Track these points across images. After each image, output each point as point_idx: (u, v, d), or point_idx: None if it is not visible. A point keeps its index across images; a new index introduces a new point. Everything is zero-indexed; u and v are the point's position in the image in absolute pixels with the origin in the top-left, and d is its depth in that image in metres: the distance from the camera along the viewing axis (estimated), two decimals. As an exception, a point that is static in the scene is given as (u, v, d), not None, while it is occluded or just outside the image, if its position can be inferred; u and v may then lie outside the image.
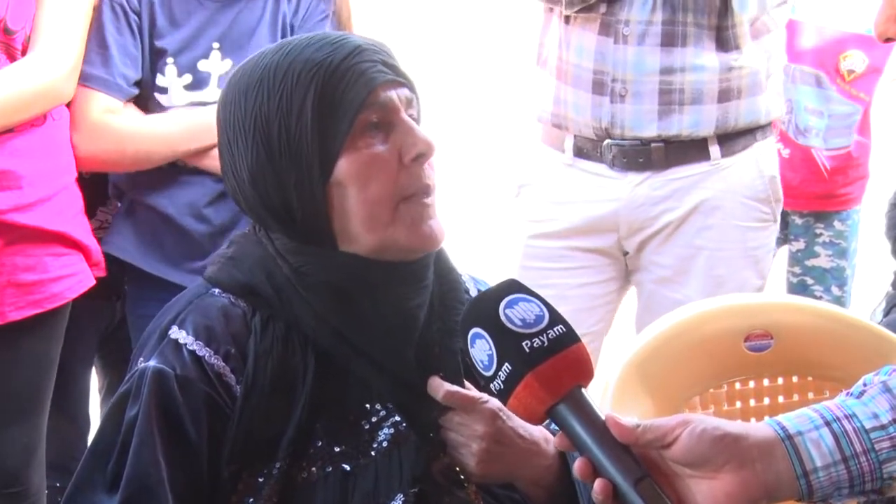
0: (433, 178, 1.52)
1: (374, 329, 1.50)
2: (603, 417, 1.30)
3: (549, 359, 1.30)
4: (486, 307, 1.34)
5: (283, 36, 2.39)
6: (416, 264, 1.53)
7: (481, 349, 1.33)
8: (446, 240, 1.56)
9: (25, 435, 2.41)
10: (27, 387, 2.40)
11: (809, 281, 3.72)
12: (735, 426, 1.28)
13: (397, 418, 1.52)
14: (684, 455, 1.26)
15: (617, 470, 1.26)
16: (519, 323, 1.32)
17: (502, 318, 1.32)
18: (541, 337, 1.31)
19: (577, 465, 1.29)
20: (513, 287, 1.37)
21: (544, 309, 1.34)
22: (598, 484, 1.26)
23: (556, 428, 1.51)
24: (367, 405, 1.51)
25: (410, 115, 1.52)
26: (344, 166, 1.48)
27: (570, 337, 1.32)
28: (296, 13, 2.44)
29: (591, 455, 1.28)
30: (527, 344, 1.30)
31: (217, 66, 2.46)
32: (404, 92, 1.52)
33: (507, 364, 1.30)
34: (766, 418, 1.32)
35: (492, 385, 1.33)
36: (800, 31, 3.58)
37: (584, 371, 1.32)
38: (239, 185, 1.53)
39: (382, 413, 1.51)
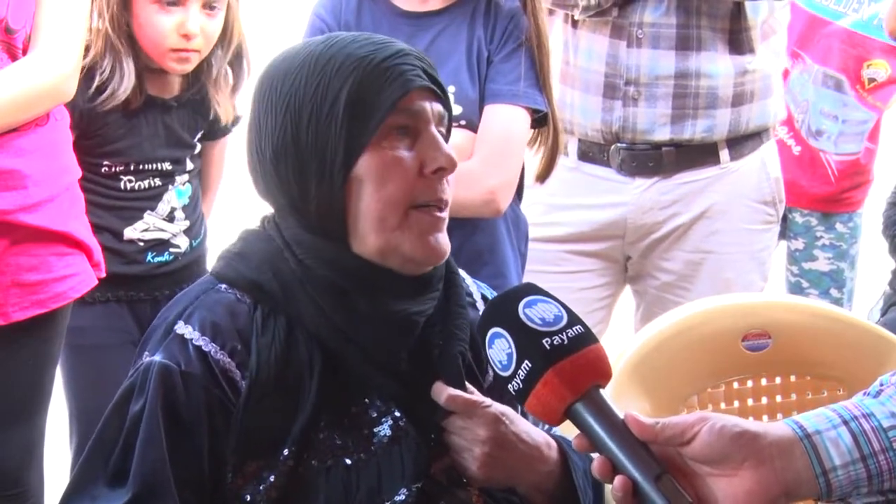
0: (449, 194, 1.54)
1: (370, 328, 1.51)
2: (621, 416, 1.30)
3: (569, 356, 1.31)
4: (506, 307, 1.35)
5: (479, 61, 2.37)
6: (422, 278, 1.54)
7: (500, 349, 1.33)
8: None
9: (26, 436, 2.40)
10: (28, 387, 2.39)
11: (805, 284, 3.71)
12: (754, 424, 1.28)
13: (397, 414, 1.52)
14: (704, 452, 1.26)
15: (636, 467, 1.26)
16: (539, 322, 1.33)
17: (522, 317, 1.33)
18: (561, 335, 1.32)
19: (596, 464, 1.29)
20: (531, 289, 1.38)
21: (562, 310, 1.35)
22: (617, 481, 1.27)
23: (558, 432, 1.52)
24: (367, 399, 1.52)
25: (440, 132, 1.53)
26: (366, 162, 1.49)
27: (589, 336, 1.34)
28: (491, 41, 2.39)
29: (610, 453, 1.28)
30: (547, 342, 1.31)
31: None
32: (438, 107, 1.53)
33: (526, 362, 1.31)
34: (783, 418, 1.33)
35: (510, 385, 1.33)
36: (831, 33, 3.56)
37: (602, 370, 1.33)
38: (260, 163, 1.53)
39: (382, 408, 1.52)
